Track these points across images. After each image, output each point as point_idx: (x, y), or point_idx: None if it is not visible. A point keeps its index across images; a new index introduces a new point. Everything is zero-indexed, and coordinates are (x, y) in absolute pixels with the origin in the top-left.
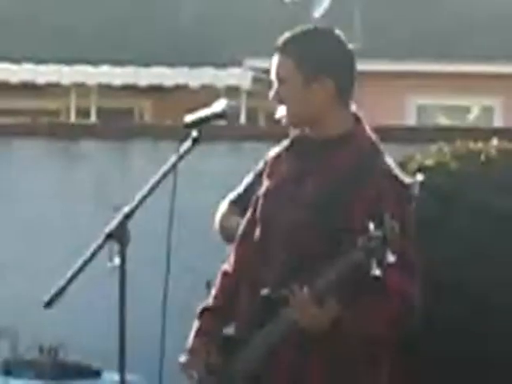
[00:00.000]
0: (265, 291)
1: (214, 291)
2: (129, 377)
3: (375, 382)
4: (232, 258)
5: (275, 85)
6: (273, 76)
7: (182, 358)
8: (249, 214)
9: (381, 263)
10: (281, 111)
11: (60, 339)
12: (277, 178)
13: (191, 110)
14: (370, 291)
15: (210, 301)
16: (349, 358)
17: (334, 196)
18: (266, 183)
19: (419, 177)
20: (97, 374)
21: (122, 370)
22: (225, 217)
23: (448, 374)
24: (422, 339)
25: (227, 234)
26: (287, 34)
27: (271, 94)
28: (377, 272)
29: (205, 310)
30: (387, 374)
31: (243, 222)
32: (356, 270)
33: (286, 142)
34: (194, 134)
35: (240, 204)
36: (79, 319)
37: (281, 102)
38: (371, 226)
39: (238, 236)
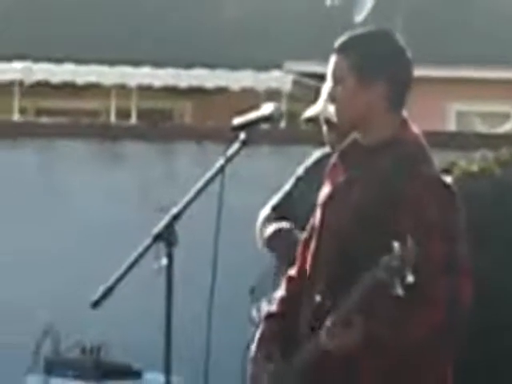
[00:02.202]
0: (317, 298)
1: (279, 296)
2: (172, 378)
3: None
4: (296, 264)
5: (330, 84)
6: (329, 75)
7: (249, 369)
8: (311, 221)
9: (403, 283)
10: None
11: (102, 339)
12: (332, 187)
13: (231, 113)
14: (410, 301)
15: (274, 306)
16: (393, 370)
17: (378, 201)
18: (324, 192)
19: (447, 180)
20: (138, 374)
21: (167, 370)
22: (264, 226)
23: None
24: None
25: (265, 243)
26: (346, 35)
27: (325, 91)
28: (399, 291)
29: (270, 315)
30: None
31: (307, 228)
32: (378, 288)
33: (334, 149)
34: (243, 136)
35: (280, 210)
36: (123, 319)
37: (333, 101)
38: (396, 245)
39: (301, 242)
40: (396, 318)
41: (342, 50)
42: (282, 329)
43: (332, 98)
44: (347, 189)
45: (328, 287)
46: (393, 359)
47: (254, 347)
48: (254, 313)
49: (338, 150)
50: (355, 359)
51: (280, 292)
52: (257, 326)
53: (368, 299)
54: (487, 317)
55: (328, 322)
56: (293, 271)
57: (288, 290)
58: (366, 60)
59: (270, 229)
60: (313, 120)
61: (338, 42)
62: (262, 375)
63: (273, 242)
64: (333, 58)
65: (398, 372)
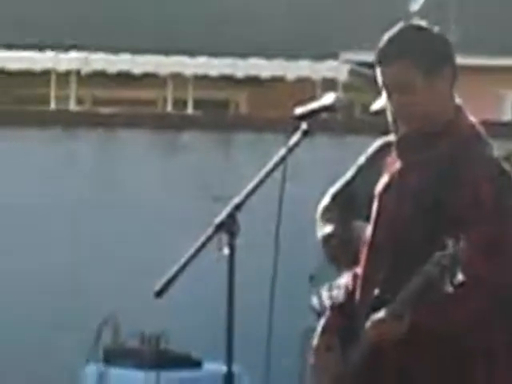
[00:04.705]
0: (376, 291)
1: (346, 288)
2: (233, 367)
3: (491, 376)
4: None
5: (395, 97)
6: (390, 88)
7: (311, 359)
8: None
9: (452, 281)
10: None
11: (162, 328)
12: (389, 176)
13: (287, 103)
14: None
15: (341, 297)
16: (455, 355)
17: (437, 186)
18: (381, 182)
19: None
20: (197, 364)
21: (229, 360)
22: (324, 215)
23: None
24: None
25: (321, 239)
26: (387, 42)
27: (389, 106)
28: (449, 288)
29: (336, 306)
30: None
31: (370, 223)
32: (430, 284)
33: (392, 138)
34: (304, 126)
35: (340, 199)
36: (182, 308)
37: (404, 107)
38: (450, 242)
39: (367, 237)
40: (439, 303)
41: (396, 56)
42: (345, 321)
43: (403, 105)
44: (404, 175)
45: (386, 279)
46: (442, 345)
47: (316, 336)
48: (315, 300)
49: (396, 139)
50: (407, 354)
51: (347, 285)
52: (318, 314)
53: (419, 295)
54: None
55: (377, 316)
56: (358, 269)
57: (352, 284)
58: (426, 55)
59: (327, 229)
60: (379, 113)
61: (383, 51)
62: (323, 366)
63: (334, 252)
64: (387, 69)
65: (453, 359)
